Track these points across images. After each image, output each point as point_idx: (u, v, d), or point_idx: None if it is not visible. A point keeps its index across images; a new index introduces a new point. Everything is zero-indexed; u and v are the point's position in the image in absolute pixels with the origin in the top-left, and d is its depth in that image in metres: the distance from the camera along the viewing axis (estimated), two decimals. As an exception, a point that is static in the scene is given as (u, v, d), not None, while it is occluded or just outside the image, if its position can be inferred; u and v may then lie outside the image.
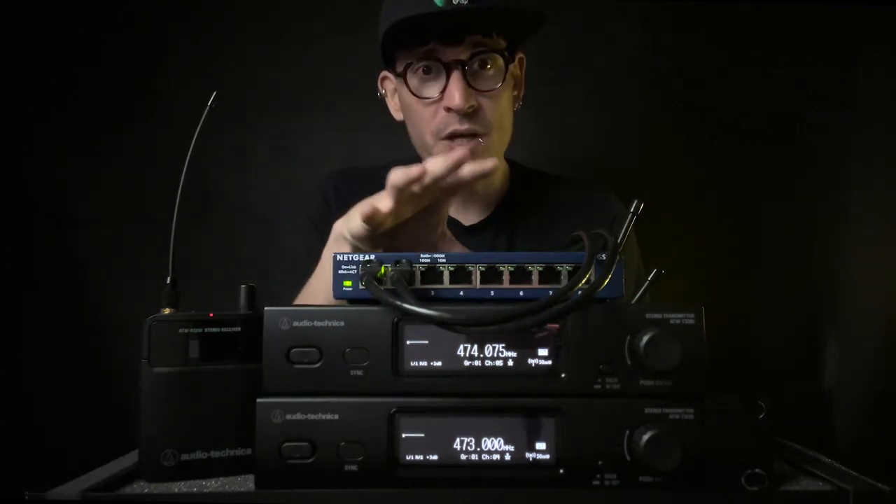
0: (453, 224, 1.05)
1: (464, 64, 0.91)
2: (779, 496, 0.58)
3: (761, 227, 1.36)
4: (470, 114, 0.92)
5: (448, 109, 0.92)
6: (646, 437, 0.56)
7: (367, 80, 1.09)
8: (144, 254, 1.14)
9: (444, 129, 0.94)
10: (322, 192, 1.10)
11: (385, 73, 1.03)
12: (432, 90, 0.93)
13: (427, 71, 0.93)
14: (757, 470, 0.57)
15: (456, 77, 0.91)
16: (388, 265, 0.60)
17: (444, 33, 0.91)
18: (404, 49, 0.93)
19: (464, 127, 0.92)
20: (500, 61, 0.95)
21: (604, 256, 0.60)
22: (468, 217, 1.07)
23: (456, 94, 0.90)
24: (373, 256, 0.61)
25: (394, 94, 1.03)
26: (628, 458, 0.57)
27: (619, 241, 0.68)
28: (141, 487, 0.60)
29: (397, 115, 1.04)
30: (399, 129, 1.07)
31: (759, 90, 1.36)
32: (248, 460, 0.61)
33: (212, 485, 0.60)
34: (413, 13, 0.87)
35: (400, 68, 0.94)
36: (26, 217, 1.31)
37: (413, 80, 0.94)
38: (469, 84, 0.92)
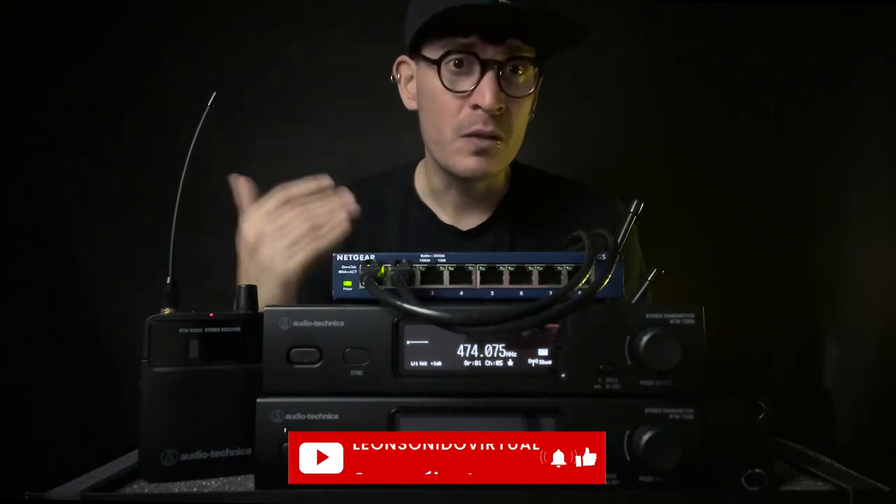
0: (450, 230, 1.04)
1: (500, 65, 0.90)
2: (779, 496, 0.58)
3: (762, 226, 1.35)
4: (496, 116, 0.91)
5: (476, 107, 0.91)
6: (646, 437, 0.56)
7: (367, 81, 1.09)
8: (144, 254, 1.14)
9: (468, 126, 0.92)
10: None
11: (403, 57, 1.00)
12: (465, 84, 0.92)
13: (458, 64, 0.92)
14: (757, 470, 0.57)
15: (490, 77, 0.90)
16: (388, 265, 0.60)
17: (488, 30, 0.90)
18: (442, 38, 0.92)
19: (488, 128, 0.92)
20: (532, 70, 0.94)
21: (604, 256, 0.60)
22: (467, 221, 1.05)
23: (488, 93, 0.89)
24: (373, 256, 0.61)
25: (409, 80, 1.01)
26: (628, 458, 0.57)
27: (619, 240, 0.68)
28: (141, 487, 0.60)
29: (409, 104, 1.02)
30: (400, 129, 1.06)
31: (761, 91, 1.36)
32: (248, 460, 0.61)
33: (212, 485, 0.60)
34: (474, 2, 0.85)
35: (434, 56, 0.92)
36: (25, 217, 1.31)
37: (444, 71, 0.92)
38: (500, 87, 0.91)
